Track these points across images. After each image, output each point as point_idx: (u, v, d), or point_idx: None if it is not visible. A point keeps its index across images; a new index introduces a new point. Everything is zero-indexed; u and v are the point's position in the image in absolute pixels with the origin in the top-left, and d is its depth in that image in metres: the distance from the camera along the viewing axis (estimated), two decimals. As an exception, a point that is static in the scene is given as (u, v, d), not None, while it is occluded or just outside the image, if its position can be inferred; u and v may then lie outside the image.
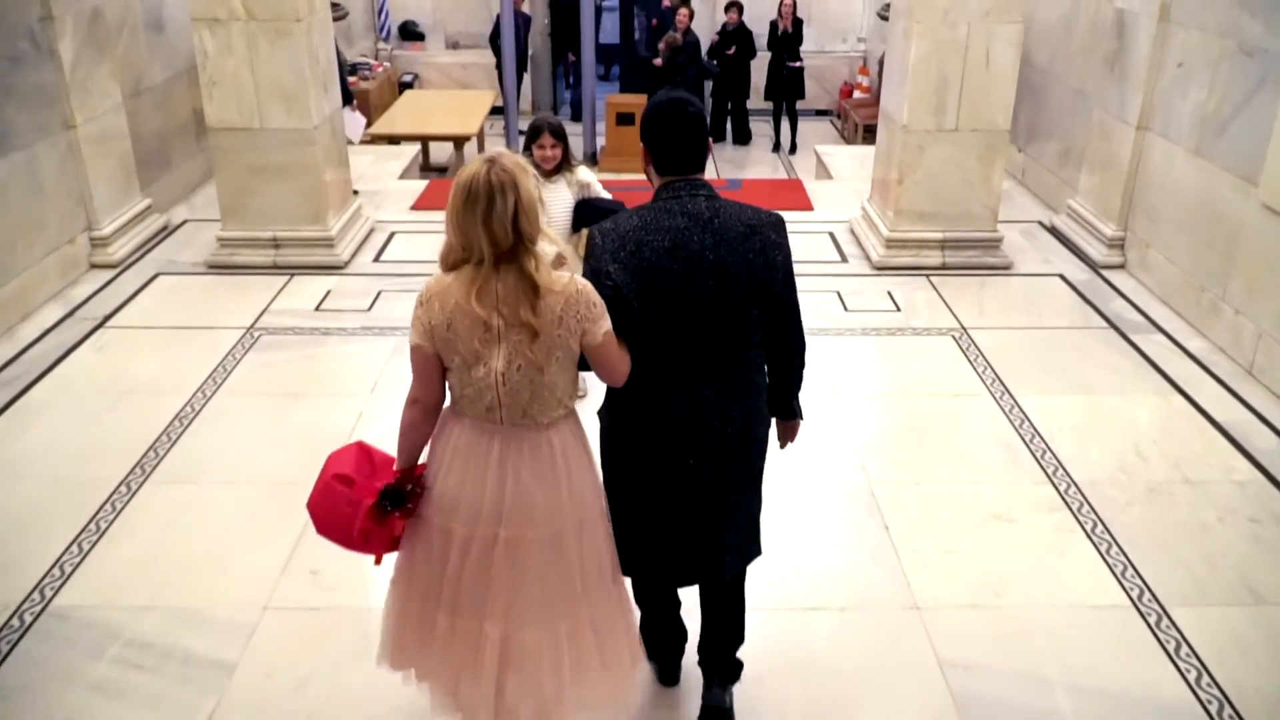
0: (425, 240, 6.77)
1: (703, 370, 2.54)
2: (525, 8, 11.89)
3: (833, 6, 12.98)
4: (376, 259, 6.60)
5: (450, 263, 2.33)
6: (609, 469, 2.70)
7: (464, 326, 2.29)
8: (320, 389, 5.05)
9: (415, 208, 7.51)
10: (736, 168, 10.87)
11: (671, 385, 2.53)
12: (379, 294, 6.02)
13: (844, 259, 6.60)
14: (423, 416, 2.46)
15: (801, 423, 2.88)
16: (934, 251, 6.37)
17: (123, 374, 5.12)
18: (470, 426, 2.41)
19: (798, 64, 11.19)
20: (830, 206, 7.53)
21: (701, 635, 3.01)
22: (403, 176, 8.61)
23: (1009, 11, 5.87)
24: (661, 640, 3.12)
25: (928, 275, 6.29)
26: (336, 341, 5.50)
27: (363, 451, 2.58)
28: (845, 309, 5.87)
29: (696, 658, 3.08)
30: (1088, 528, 3.99)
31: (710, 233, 2.46)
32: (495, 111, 11.06)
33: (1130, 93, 6.21)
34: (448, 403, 2.48)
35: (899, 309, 5.87)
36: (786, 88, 11.26)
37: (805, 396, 2.85)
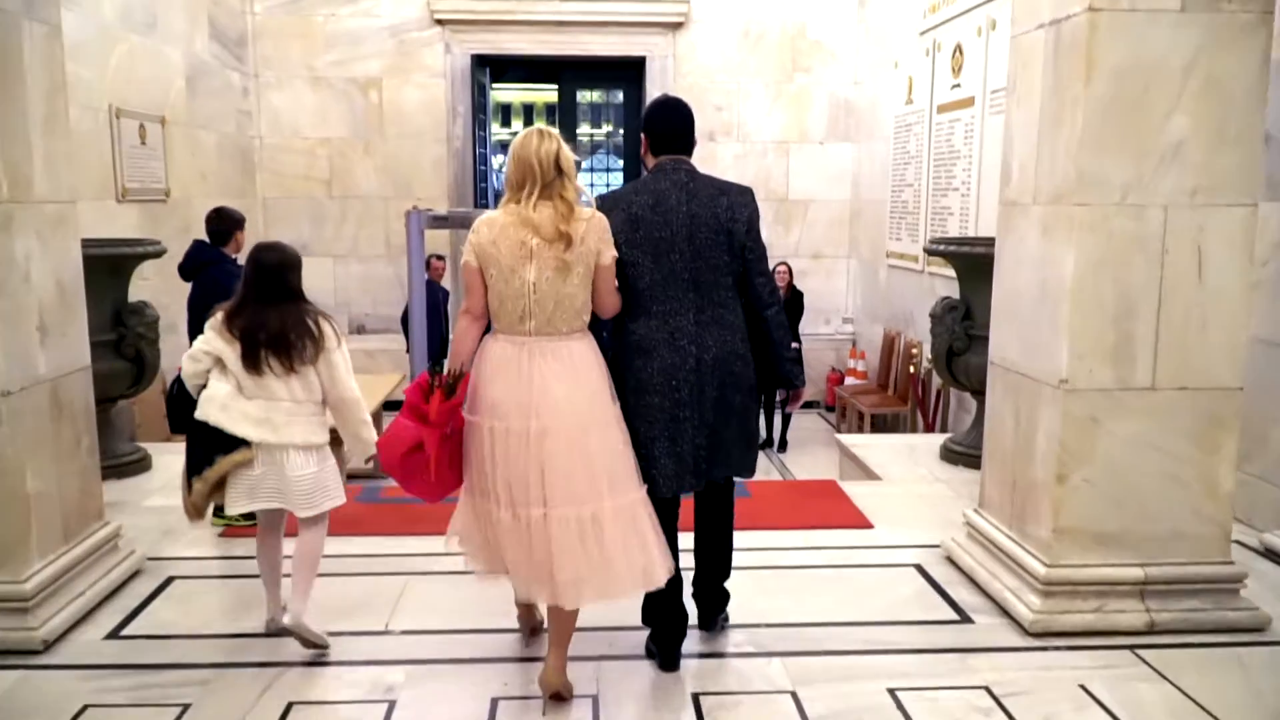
0: (231, 591, 3.90)
1: (680, 305, 3.09)
2: (446, 280, 9.56)
3: (810, 283, 10.76)
4: (115, 633, 3.54)
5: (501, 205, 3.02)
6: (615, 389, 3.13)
7: (506, 243, 2.91)
8: None
9: (229, 534, 4.54)
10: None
11: (656, 317, 3.09)
12: (82, 712, 2.98)
13: (963, 617, 3.73)
14: (470, 323, 3.04)
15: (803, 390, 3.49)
16: (1130, 600, 3.57)
17: None
18: (505, 341, 2.97)
19: (794, 345, 8.81)
20: (896, 523, 4.75)
21: (695, 575, 3.43)
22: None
23: (1228, 188, 3.46)
24: (664, 624, 3.28)
25: (1130, 646, 3.46)
26: None
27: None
28: (1019, 727, 2.97)
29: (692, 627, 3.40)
30: None
31: (686, 192, 3.11)
32: (393, 406, 8.31)
33: None
34: (489, 335, 3.07)
35: (1125, 725, 2.98)
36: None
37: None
